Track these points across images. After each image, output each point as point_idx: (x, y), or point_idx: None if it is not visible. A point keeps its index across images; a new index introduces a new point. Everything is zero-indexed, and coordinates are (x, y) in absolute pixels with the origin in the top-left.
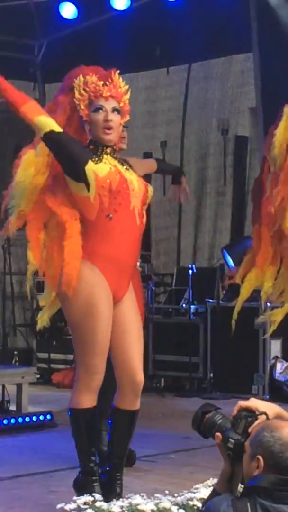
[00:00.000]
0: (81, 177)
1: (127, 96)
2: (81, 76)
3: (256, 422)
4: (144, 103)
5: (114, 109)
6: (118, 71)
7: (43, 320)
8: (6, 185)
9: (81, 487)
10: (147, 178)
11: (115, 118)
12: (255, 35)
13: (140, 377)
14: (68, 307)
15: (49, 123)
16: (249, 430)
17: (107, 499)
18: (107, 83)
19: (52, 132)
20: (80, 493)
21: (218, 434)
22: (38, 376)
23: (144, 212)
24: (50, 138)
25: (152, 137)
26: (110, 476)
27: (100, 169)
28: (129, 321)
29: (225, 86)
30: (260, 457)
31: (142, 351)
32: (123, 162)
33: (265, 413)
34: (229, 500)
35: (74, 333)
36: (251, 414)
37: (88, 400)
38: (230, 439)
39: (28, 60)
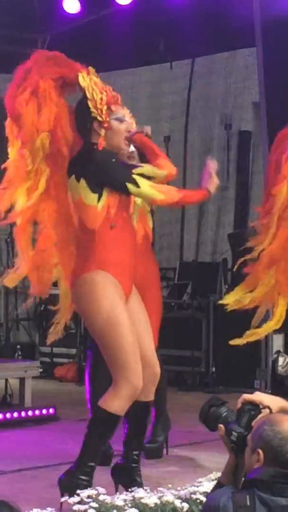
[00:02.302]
0: (98, 190)
1: None
2: (84, 75)
3: (259, 416)
4: (148, 98)
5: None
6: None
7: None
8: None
9: (67, 487)
10: None
11: (132, 129)
12: (258, 30)
13: (158, 368)
14: (92, 320)
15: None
16: (252, 423)
17: (127, 490)
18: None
19: None
20: (66, 492)
21: (221, 426)
22: (41, 370)
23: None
24: None
25: (156, 132)
26: (131, 468)
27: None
28: (138, 319)
29: (228, 81)
30: (260, 451)
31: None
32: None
33: (268, 407)
34: (229, 492)
35: (105, 347)
36: (255, 407)
37: (122, 408)
38: (233, 432)
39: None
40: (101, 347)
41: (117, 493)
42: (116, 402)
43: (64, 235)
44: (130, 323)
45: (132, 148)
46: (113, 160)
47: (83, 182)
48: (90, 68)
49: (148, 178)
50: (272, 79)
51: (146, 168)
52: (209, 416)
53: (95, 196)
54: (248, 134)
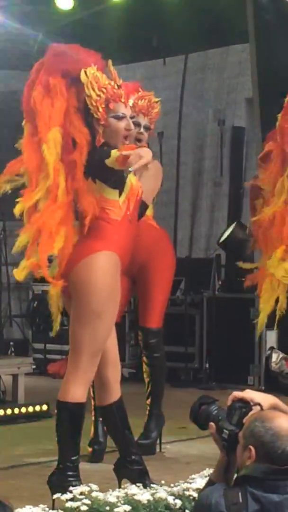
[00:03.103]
0: (118, 186)
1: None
2: (87, 72)
3: (250, 413)
4: None
5: (131, 117)
6: (110, 61)
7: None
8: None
9: (58, 486)
10: None
11: (132, 127)
12: (251, 26)
13: (119, 366)
14: (90, 295)
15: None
16: (243, 420)
17: (135, 483)
18: (118, 83)
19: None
20: (57, 492)
21: (212, 424)
22: (34, 366)
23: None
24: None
25: None
26: (134, 463)
27: (132, 178)
28: None
29: (221, 76)
30: (251, 447)
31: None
32: None
33: (259, 404)
34: (221, 490)
35: (87, 323)
36: (246, 405)
37: (85, 394)
38: (225, 430)
39: (24, 50)
40: (79, 326)
41: (120, 487)
42: (77, 389)
43: (68, 233)
44: (115, 315)
45: (140, 130)
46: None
47: (99, 183)
48: (109, 61)
49: None
50: (265, 75)
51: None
52: (200, 415)
53: (116, 191)
54: (242, 130)
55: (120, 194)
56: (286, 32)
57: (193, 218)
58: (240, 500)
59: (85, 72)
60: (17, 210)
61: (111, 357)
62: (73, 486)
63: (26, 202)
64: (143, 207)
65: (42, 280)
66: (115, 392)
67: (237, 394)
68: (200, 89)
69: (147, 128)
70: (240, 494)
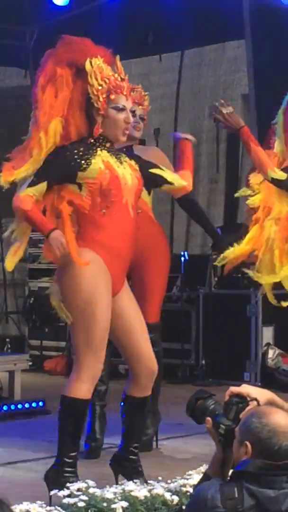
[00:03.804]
0: (74, 183)
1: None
2: (93, 62)
3: (247, 408)
4: None
5: (131, 110)
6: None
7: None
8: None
9: (55, 482)
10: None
11: (131, 120)
12: (247, 22)
13: (155, 365)
14: (71, 294)
15: (38, 196)
16: (240, 416)
17: (130, 479)
18: (122, 76)
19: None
20: (54, 487)
21: (208, 418)
22: (30, 363)
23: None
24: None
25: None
26: (130, 460)
27: (89, 172)
28: (131, 314)
29: (217, 73)
30: (248, 443)
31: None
32: (121, 153)
33: (256, 399)
34: (217, 485)
35: (76, 321)
36: (243, 400)
37: (89, 391)
38: (221, 425)
39: (19, 47)
40: (72, 325)
41: (118, 483)
42: (81, 386)
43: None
44: (106, 309)
45: (137, 119)
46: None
47: None
48: (117, 56)
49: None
50: (261, 71)
51: (168, 173)
52: (197, 409)
53: (75, 186)
54: None
55: (79, 187)
56: (281, 28)
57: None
58: (236, 495)
59: (90, 62)
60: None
61: (142, 354)
62: (70, 482)
63: (6, 177)
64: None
65: (38, 277)
66: (146, 388)
67: (234, 389)
68: (196, 85)
69: (142, 119)
70: (236, 489)
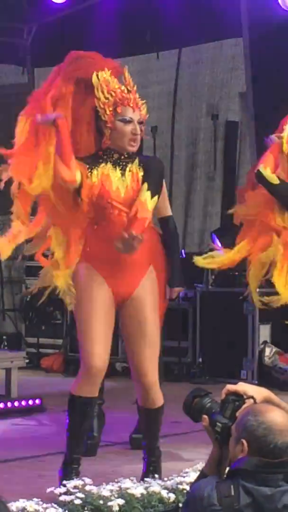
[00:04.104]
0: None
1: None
2: (99, 75)
3: (244, 406)
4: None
5: (139, 122)
6: (126, 68)
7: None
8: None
9: (69, 475)
10: None
11: (139, 131)
12: (245, 20)
13: (149, 378)
14: (75, 308)
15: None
16: (237, 414)
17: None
18: (129, 88)
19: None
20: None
21: (205, 417)
22: (27, 360)
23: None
24: None
25: None
26: (147, 462)
27: (84, 187)
28: (135, 324)
29: (215, 71)
30: (244, 441)
31: (156, 350)
32: (129, 161)
33: (252, 397)
34: (213, 483)
35: (78, 332)
36: (239, 398)
37: (88, 391)
38: (218, 423)
39: (17, 44)
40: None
41: (133, 478)
42: (78, 385)
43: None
44: (101, 320)
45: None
46: None
47: None
48: (125, 68)
49: None
50: (259, 69)
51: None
52: (193, 407)
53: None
54: (235, 124)
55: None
56: (279, 26)
57: (186, 213)
58: (232, 493)
59: (97, 75)
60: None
61: (139, 368)
62: (69, 478)
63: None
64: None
65: (36, 274)
66: (147, 400)
67: (231, 387)
68: (194, 83)
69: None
70: (232, 487)
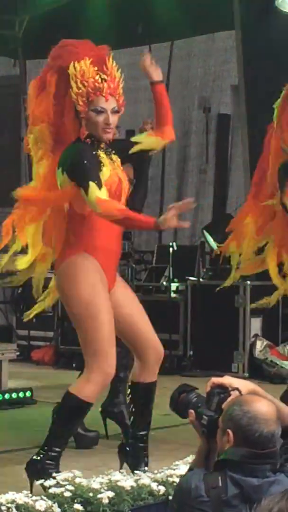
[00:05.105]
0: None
1: (121, 84)
2: (76, 65)
3: (229, 398)
4: (126, 80)
5: (114, 111)
6: (110, 52)
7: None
8: None
9: (34, 473)
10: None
11: (114, 119)
12: (237, 13)
13: (161, 348)
14: (72, 303)
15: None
16: (223, 406)
17: (134, 469)
18: (106, 77)
19: None
20: (33, 478)
21: (191, 411)
22: (17, 353)
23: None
24: None
25: (135, 114)
26: (138, 448)
27: (104, 174)
28: (129, 303)
29: (207, 63)
30: (229, 431)
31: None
32: (110, 152)
33: (238, 389)
34: (200, 474)
35: (82, 329)
36: (224, 390)
37: (94, 394)
38: (204, 416)
39: (8, 36)
40: (78, 331)
41: (122, 470)
42: (88, 389)
43: (56, 222)
44: (110, 311)
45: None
46: (84, 160)
47: (66, 175)
48: (108, 56)
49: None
50: (251, 62)
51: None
52: (180, 403)
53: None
54: (227, 117)
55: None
56: (271, 19)
57: None
58: (220, 484)
59: (74, 65)
60: None
61: (149, 339)
62: (49, 473)
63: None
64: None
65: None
66: (155, 373)
67: (216, 380)
68: (186, 76)
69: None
70: (220, 478)
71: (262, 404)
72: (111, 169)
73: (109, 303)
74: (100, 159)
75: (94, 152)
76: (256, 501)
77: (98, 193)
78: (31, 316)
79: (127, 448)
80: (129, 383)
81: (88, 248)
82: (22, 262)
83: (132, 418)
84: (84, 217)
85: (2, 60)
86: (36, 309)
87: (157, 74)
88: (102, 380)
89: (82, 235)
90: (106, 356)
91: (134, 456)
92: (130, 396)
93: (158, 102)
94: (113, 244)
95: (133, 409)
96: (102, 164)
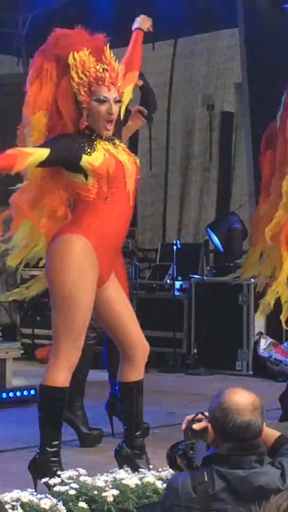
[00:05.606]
0: (78, 170)
1: (120, 74)
2: (76, 55)
3: (203, 423)
4: None
5: (116, 100)
6: (107, 42)
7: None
8: None
9: (39, 471)
10: (133, 148)
11: (116, 110)
12: (240, 10)
13: (147, 345)
14: (57, 279)
15: (36, 157)
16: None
17: (135, 470)
18: (106, 66)
19: (43, 162)
20: (37, 477)
21: (177, 458)
22: (22, 351)
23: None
24: (43, 164)
25: None
26: (136, 448)
27: (95, 158)
28: (120, 301)
29: (211, 61)
30: (209, 425)
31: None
32: (113, 140)
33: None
34: (187, 472)
35: (59, 307)
36: (199, 419)
37: (67, 379)
38: (179, 446)
39: (12, 34)
40: (53, 310)
41: (127, 468)
42: (62, 375)
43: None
44: (92, 296)
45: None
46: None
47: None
48: (106, 47)
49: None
50: (255, 60)
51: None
52: (174, 460)
53: (80, 175)
54: (231, 115)
55: (85, 176)
56: (275, 16)
57: (181, 203)
58: (206, 479)
59: (73, 55)
60: None
61: (135, 338)
62: (53, 471)
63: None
64: None
65: (30, 265)
66: (141, 371)
67: (189, 417)
68: (189, 74)
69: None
70: (205, 473)
71: (239, 395)
72: (107, 154)
73: (94, 287)
74: (93, 143)
75: (87, 143)
76: (243, 492)
77: (28, 149)
78: (9, 299)
79: (123, 454)
80: (121, 385)
81: (86, 231)
82: (12, 259)
83: (124, 418)
84: (89, 203)
85: (6, 58)
86: (15, 294)
87: (146, 25)
88: (72, 364)
89: (83, 217)
90: (76, 340)
91: (132, 457)
92: (120, 397)
93: (132, 46)
94: (114, 232)
95: (125, 410)
96: (89, 149)
